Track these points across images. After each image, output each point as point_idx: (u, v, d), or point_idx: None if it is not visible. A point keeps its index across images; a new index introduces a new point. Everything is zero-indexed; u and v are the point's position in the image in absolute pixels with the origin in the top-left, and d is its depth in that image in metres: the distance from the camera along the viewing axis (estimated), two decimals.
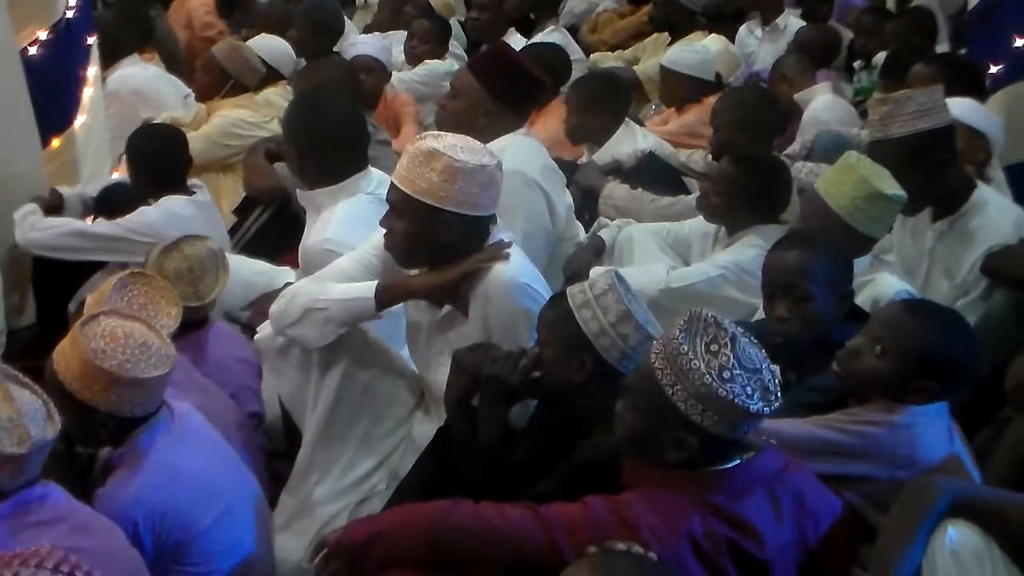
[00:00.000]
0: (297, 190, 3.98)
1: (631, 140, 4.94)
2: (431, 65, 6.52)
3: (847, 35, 6.66)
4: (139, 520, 2.65)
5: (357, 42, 6.15)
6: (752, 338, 2.33)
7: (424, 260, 3.10)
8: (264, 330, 3.37)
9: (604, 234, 4.08)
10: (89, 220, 4.60)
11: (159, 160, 4.47)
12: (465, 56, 7.01)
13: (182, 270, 3.51)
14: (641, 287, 3.38)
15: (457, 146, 2.98)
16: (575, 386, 2.71)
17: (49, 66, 4.72)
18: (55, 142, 4.82)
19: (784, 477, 2.37)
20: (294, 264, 3.99)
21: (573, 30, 7.94)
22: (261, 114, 5.37)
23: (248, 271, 4.07)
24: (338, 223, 3.60)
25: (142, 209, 4.36)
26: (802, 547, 2.35)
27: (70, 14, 4.83)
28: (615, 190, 4.51)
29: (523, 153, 3.80)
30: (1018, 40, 4.58)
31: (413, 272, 3.14)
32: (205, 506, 2.79)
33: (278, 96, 5.58)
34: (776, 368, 2.35)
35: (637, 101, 6.28)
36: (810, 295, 2.91)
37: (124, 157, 4.79)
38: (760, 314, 3.22)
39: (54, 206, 4.56)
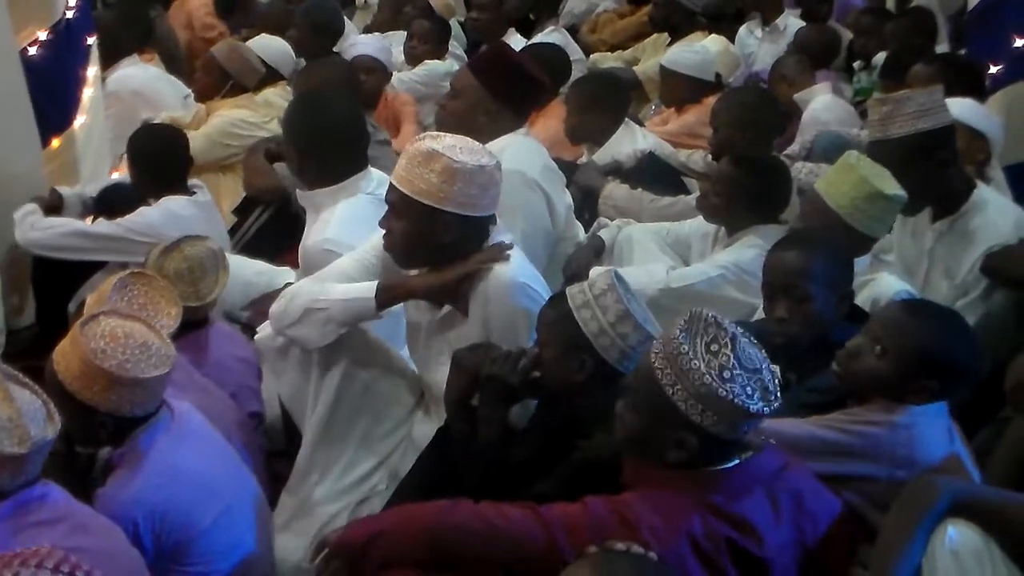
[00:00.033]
0: (297, 190, 3.98)
1: (631, 140, 4.94)
2: (431, 65, 6.52)
3: (847, 35, 6.67)
4: (139, 520, 2.65)
5: (357, 42, 6.16)
6: (752, 338, 2.33)
7: (423, 261, 3.10)
8: (264, 330, 3.37)
9: (604, 234, 4.08)
10: (89, 220, 4.60)
11: (160, 160, 4.48)
12: (465, 56, 7.01)
13: (182, 270, 3.51)
14: (641, 287, 3.38)
15: (456, 147, 2.98)
16: (575, 386, 2.71)
17: (49, 66, 4.72)
18: (55, 142, 4.82)
19: (783, 477, 2.37)
20: (294, 264, 3.99)
21: (573, 30, 7.94)
22: (261, 114, 5.37)
23: (248, 271, 4.07)
24: (338, 223, 3.60)
25: (142, 209, 4.36)
26: (801, 546, 2.35)
27: (70, 14, 4.83)
28: (615, 190, 4.51)
29: (523, 153, 3.80)
30: (1018, 40, 4.58)
31: (413, 272, 3.14)
32: (205, 506, 2.79)
33: (277, 96, 5.59)
34: (776, 368, 2.35)
35: (637, 101, 6.27)
36: (810, 295, 2.91)
37: (125, 157, 4.79)
38: (760, 314, 3.23)
39: (54, 206, 4.56)
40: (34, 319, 4.72)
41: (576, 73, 6.04)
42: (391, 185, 3.04)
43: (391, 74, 6.10)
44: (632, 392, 2.38)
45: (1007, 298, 3.47)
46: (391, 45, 6.31)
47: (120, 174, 5.05)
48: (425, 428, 3.15)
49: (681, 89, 5.68)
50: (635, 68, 6.89)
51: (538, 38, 7.07)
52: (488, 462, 2.74)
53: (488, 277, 3.01)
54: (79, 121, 4.93)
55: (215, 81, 5.56)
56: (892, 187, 3.31)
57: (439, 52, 6.68)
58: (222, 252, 3.67)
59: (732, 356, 2.25)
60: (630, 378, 2.44)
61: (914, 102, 3.55)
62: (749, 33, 7.23)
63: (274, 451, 3.57)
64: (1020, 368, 2.89)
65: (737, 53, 6.65)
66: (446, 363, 2.92)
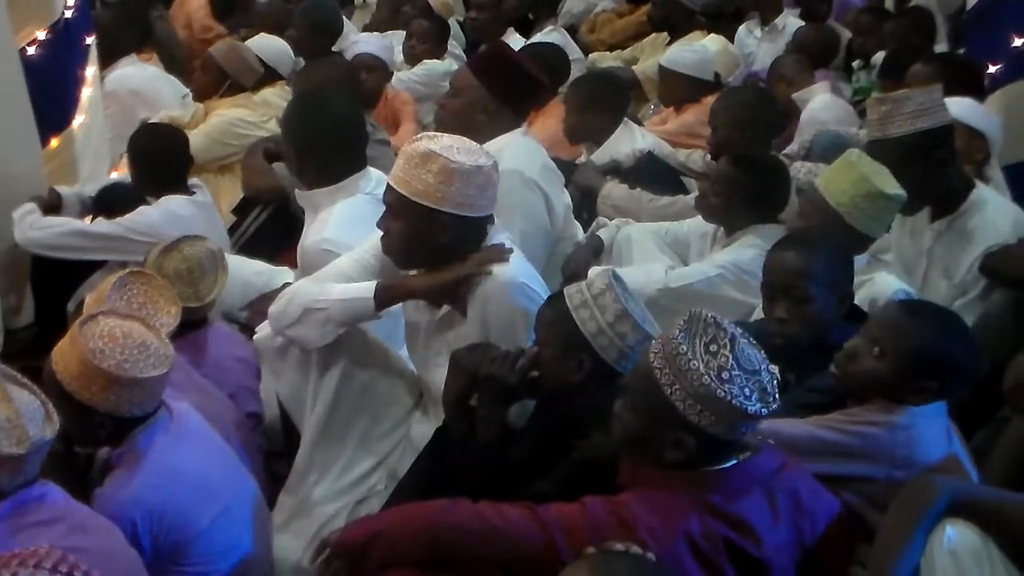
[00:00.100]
0: (295, 190, 3.98)
1: (630, 140, 4.94)
2: (430, 65, 6.52)
3: (846, 35, 6.67)
4: (137, 520, 2.65)
5: (359, 40, 6.17)
6: (751, 339, 2.33)
7: (421, 261, 3.10)
8: (263, 330, 3.37)
9: (603, 234, 4.08)
10: (88, 219, 4.60)
11: (160, 159, 4.48)
12: (464, 56, 7.01)
13: (181, 271, 3.51)
14: (639, 287, 3.39)
15: (453, 147, 2.98)
16: (573, 386, 2.71)
17: (48, 66, 4.71)
18: (54, 142, 4.81)
19: (781, 477, 2.37)
20: (293, 264, 3.98)
21: (572, 30, 7.94)
22: (259, 114, 5.37)
23: (247, 271, 4.07)
24: (336, 223, 3.60)
25: (142, 209, 4.36)
26: (799, 546, 2.35)
27: (69, 14, 4.82)
28: (614, 190, 4.51)
29: (521, 153, 3.80)
30: (1017, 40, 4.57)
31: (412, 273, 3.14)
32: (203, 506, 2.79)
33: (276, 96, 5.59)
34: (775, 369, 2.35)
35: (636, 101, 6.27)
36: (810, 296, 2.91)
37: (124, 156, 4.79)
38: (758, 314, 3.23)
39: (53, 205, 4.56)
40: (33, 319, 4.72)
41: (575, 73, 6.04)
42: (388, 186, 3.04)
43: (392, 73, 6.10)
44: (630, 392, 2.38)
45: (1006, 298, 3.47)
46: (393, 44, 6.32)
47: (119, 174, 5.05)
48: (424, 428, 3.15)
49: (680, 89, 5.68)
50: (634, 68, 6.89)
51: (537, 38, 7.08)
52: (486, 462, 2.74)
53: (487, 277, 3.01)
54: (78, 121, 4.92)
55: (213, 80, 5.56)
56: (892, 186, 3.31)
57: (438, 52, 6.68)
58: (221, 252, 3.67)
59: (731, 357, 2.25)
60: (629, 377, 2.44)
61: (913, 101, 3.55)
62: (748, 32, 7.22)
63: (273, 451, 3.57)
64: (1019, 368, 2.89)
65: (736, 53, 6.64)
66: (445, 363, 2.92)
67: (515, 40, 6.77)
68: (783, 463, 2.40)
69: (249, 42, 5.91)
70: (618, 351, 2.67)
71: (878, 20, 6.36)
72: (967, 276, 3.56)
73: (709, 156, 4.78)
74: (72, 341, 2.71)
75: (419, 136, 3.08)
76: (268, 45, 5.86)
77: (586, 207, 4.51)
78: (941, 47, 6.16)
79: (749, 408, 2.23)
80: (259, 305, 3.82)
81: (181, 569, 2.76)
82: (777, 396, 2.29)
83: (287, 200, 4.55)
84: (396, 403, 3.28)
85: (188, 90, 5.89)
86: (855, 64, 6.26)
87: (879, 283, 3.33)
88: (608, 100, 5.04)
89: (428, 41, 6.68)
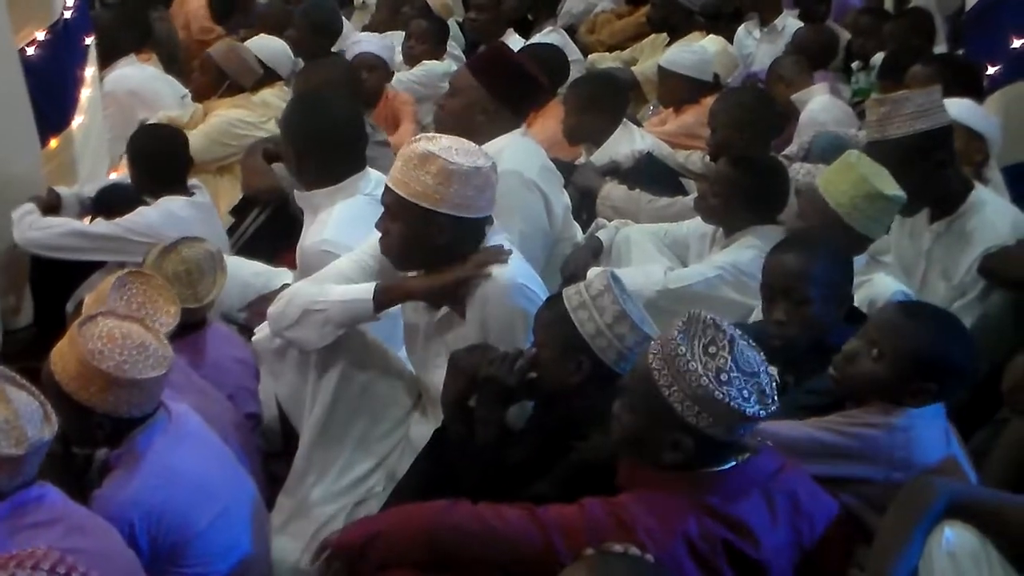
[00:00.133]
0: (295, 191, 3.98)
1: (629, 141, 4.94)
2: (429, 66, 6.52)
3: (845, 36, 6.66)
4: (135, 521, 2.65)
5: (360, 40, 6.17)
6: (751, 341, 2.33)
7: (419, 262, 3.10)
8: (261, 331, 3.37)
9: (602, 235, 4.08)
10: (87, 220, 4.60)
11: (159, 160, 4.49)
12: (463, 57, 7.01)
13: (180, 272, 3.51)
14: (638, 288, 3.39)
15: (452, 148, 2.98)
16: (572, 387, 2.71)
17: (47, 67, 4.71)
18: (53, 142, 4.81)
19: (780, 479, 2.37)
20: (292, 265, 3.98)
21: (571, 31, 7.93)
22: (258, 114, 5.37)
23: (246, 272, 4.07)
24: (335, 224, 3.60)
25: (141, 209, 4.36)
26: (798, 548, 2.35)
27: (68, 14, 4.82)
28: (613, 191, 4.51)
29: (520, 154, 3.80)
30: (1016, 41, 4.58)
31: (411, 274, 3.14)
32: (202, 507, 2.79)
33: (275, 97, 5.58)
34: (774, 371, 2.35)
35: (635, 102, 6.27)
36: (809, 299, 2.91)
37: (123, 157, 4.79)
38: (757, 315, 3.23)
39: (52, 206, 4.56)
40: (32, 319, 4.72)
41: (574, 73, 6.04)
42: (387, 187, 3.04)
43: (393, 73, 6.11)
44: (629, 392, 2.38)
45: (1004, 299, 3.47)
46: (393, 44, 6.32)
47: (118, 174, 5.05)
48: (423, 429, 3.14)
49: (679, 89, 5.68)
50: (633, 68, 6.88)
51: (536, 38, 7.07)
52: (485, 463, 2.74)
53: (486, 278, 3.01)
54: (77, 121, 4.92)
55: (212, 81, 5.56)
56: (891, 187, 3.31)
57: (437, 52, 6.68)
58: (220, 254, 3.67)
59: (730, 359, 2.25)
60: (627, 378, 2.44)
61: (912, 103, 3.56)
62: (747, 33, 7.22)
63: (271, 452, 3.57)
64: (1017, 369, 2.89)
65: (735, 53, 6.64)
66: (444, 364, 2.92)
67: (514, 41, 6.76)
68: (782, 465, 2.40)
69: (248, 43, 5.91)
70: (617, 352, 2.67)
71: (877, 21, 6.36)
72: (966, 277, 3.56)
73: (708, 157, 4.78)
74: (71, 342, 2.71)
75: (417, 137, 3.08)
76: (267, 46, 5.86)
77: (585, 208, 4.51)
78: (940, 48, 6.16)
79: (747, 410, 2.23)
80: (258, 306, 3.82)
81: (179, 570, 2.75)
82: (776, 398, 2.29)
83: (286, 201, 4.55)
84: (395, 404, 3.28)
85: (187, 90, 5.88)
86: (854, 65, 6.26)
87: (877, 284, 3.33)
88: (607, 101, 5.04)
89: (427, 42, 6.68)
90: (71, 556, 2.04)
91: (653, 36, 7.31)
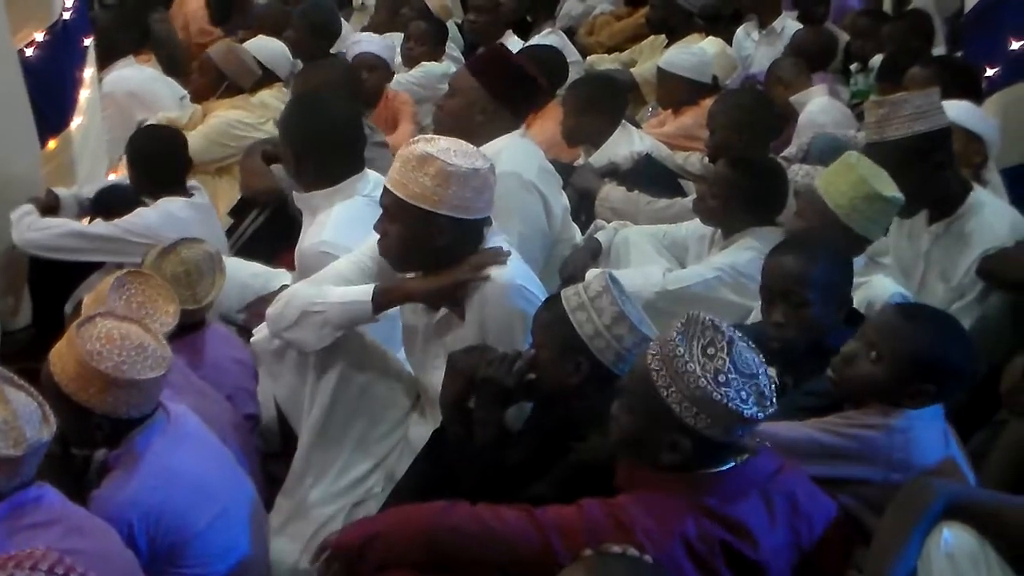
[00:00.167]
0: (293, 192, 3.98)
1: (628, 142, 4.94)
2: (428, 67, 6.52)
3: (843, 37, 6.66)
4: (134, 522, 2.65)
5: (361, 40, 6.19)
6: (750, 343, 2.34)
7: (418, 264, 3.10)
8: (260, 333, 3.37)
9: (600, 236, 4.08)
10: (85, 221, 4.60)
11: (159, 161, 4.49)
12: (462, 58, 7.00)
13: (179, 273, 3.51)
14: (637, 289, 3.38)
15: (450, 150, 2.98)
16: (570, 388, 2.71)
17: (46, 68, 4.71)
18: (52, 144, 4.82)
19: (778, 479, 2.37)
20: (290, 266, 3.98)
21: (570, 32, 7.93)
22: (257, 115, 5.37)
23: (244, 273, 4.07)
24: (334, 225, 3.60)
25: (140, 210, 4.36)
26: (796, 549, 2.35)
27: (67, 16, 4.83)
28: (611, 192, 4.51)
29: (519, 155, 3.80)
30: (1014, 43, 4.58)
31: (410, 276, 3.14)
32: (201, 508, 2.79)
33: (273, 98, 5.58)
34: (773, 372, 2.35)
35: (634, 103, 6.27)
36: (808, 301, 2.90)
37: (123, 158, 4.79)
38: (755, 316, 3.23)
39: (50, 207, 4.56)
40: (30, 320, 4.72)
41: (573, 75, 6.04)
42: (385, 189, 3.04)
43: (393, 73, 6.11)
44: (627, 393, 2.38)
45: (1003, 301, 3.47)
46: (394, 44, 6.32)
47: (117, 175, 5.05)
48: (421, 430, 3.15)
49: (678, 91, 5.68)
50: (632, 70, 6.88)
51: (535, 40, 7.07)
52: (484, 464, 2.74)
53: (484, 280, 3.01)
54: (76, 122, 4.92)
55: (211, 82, 5.56)
56: (890, 189, 3.31)
57: (436, 54, 6.68)
58: (219, 255, 3.67)
59: (728, 360, 2.26)
60: (626, 379, 2.44)
61: (911, 104, 3.56)
62: (746, 35, 7.22)
63: (270, 453, 3.57)
64: (1016, 371, 2.90)
65: (734, 55, 6.65)
66: (442, 365, 2.91)
67: (513, 42, 6.77)
68: (780, 466, 2.40)
69: (247, 44, 5.91)
70: (615, 353, 2.67)
71: (876, 23, 6.36)
72: (964, 279, 3.56)
73: (707, 159, 4.77)
74: (70, 343, 2.71)
75: (416, 139, 3.08)
76: (266, 47, 5.86)
77: (584, 209, 4.51)
78: (939, 50, 6.16)
79: (745, 411, 2.23)
80: (257, 307, 3.82)
81: (178, 571, 2.75)
82: (774, 400, 2.29)
83: (285, 202, 4.55)
84: (393, 405, 3.28)
85: (186, 92, 5.88)
86: (853, 67, 6.25)
87: (875, 286, 3.33)
88: (606, 102, 5.05)
89: (426, 43, 6.68)
90: (69, 557, 2.03)
91: (652, 38, 7.31)
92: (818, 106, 5.36)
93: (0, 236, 4.52)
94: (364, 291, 3.08)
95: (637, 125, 5.44)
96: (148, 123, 5.19)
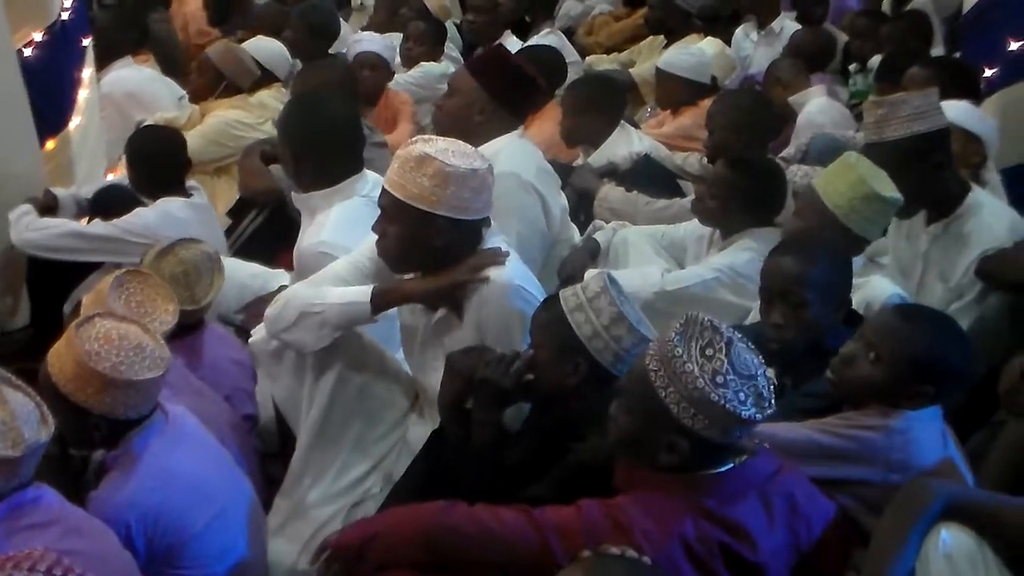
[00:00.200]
0: (292, 193, 3.98)
1: (626, 143, 4.94)
2: (427, 67, 6.52)
3: (842, 38, 6.66)
4: (132, 523, 2.64)
5: (362, 39, 6.20)
6: (750, 344, 2.33)
7: (417, 265, 3.10)
8: (258, 333, 3.37)
9: (599, 236, 4.08)
10: (84, 221, 4.60)
11: (158, 161, 4.49)
12: (461, 59, 7.01)
13: (177, 274, 3.50)
14: (636, 290, 3.39)
15: (448, 151, 2.98)
16: (569, 389, 2.71)
17: (44, 67, 4.71)
18: (50, 144, 4.81)
19: (777, 481, 2.37)
20: (289, 267, 3.98)
21: (569, 33, 7.92)
22: (255, 115, 5.37)
23: (243, 274, 4.07)
24: (333, 226, 3.60)
25: (138, 210, 4.36)
26: (795, 550, 2.35)
27: (65, 16, 4.82)
28: (610, 193, 4.51)
29: (518, 155, 3.80)
30: (1013, 43, 4.58)
31: (408, 276, 3.14)
32: (199, 509, 2.78)
33: (272, 98, 5.58)
34: (772, 374, 2.35)
35: (632, 104, 6.27)
36: (806, 302, 2.90)
37: (121, 158, 4.78)
38: (754, 316, 3.22)
39: (49, 207, 4.56)
40: (28, 320, 4.72)
41: (572, 75, 6.04)
42: (383, 189, 3.04)
43: (394, 72, 6.11)
44: (626, 393, 2.38)
45: (1001, 301, 3.46)
46: (395, 44, 6.32)
47: (115, 175, 5.05)
48: (420, 431, 3.14)
49: (677, 92, 5.68)
50: (631, 70, 6.88)
51: (534, 40, 7.06)
52: (482, 465, 2.74)
53: (483, 282, 3.01)
54: (75, 122, 4.91)
55: (209, 82, 5.56)
56: (889, 189, 3.31)
57: (435, 54, 6.68)
58: (217, 255, 3.67)
59: (726, 361, 2.25)
60: (625, 379, 2.45)
61: (909, 105, 3.56)
62: (745, 36, 7.22)
63: (268, 453, 3.57)
64: (1014, 371, 2.90)
65: (733, 56, 6.64)
66: (441, 366, 2.92)
67: (512, 43, 6.77)
68: (779, 467, 2.40)
69: (245, 44, 5.91)
70: (613, 354, 2.67)
71: (875, 23, 6.35)
72: (963, 279, 3.56)
73: (706, 159, 4.77)
74: (68, 343, 2.71)
75: (414, 140, 3.08)
76: (264, 47, 5.86)
77: (583, 210, 4.51)
78: (938, 51, 6.16)
79: (743, 413, 2.23)
80: (255, 308, 3.81)
81: (176, 572, 2.75)
82: (773, 402, 2.29)
83: (284, 202, 4.55)
84: (392, 406, 3.28)
85: (185, 92, 5.88)
86: (852, 67, 6.25)
87: (873, 287, 3.33)
88: (605, 103, 5.05)
89: (425, 43, 6.68)
90: (68, 558, 2.04)
91: (651, 38, 7.31)
92: (817, 107, 5.36)
93: (0, 237, 4.52)
94: (363, 292, 3.08)
95: (636, 125, 5.44)
96: (147, 123, 5.19)
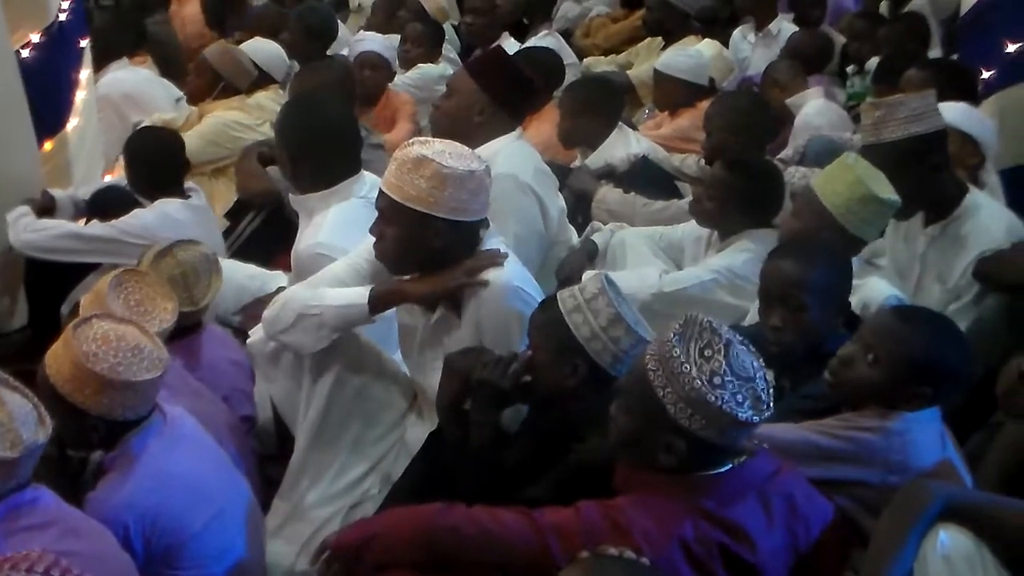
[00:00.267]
0: (290, 194, 3.98)
1: (624, 144, 4.94)
2: (424, 69, 6.53)
3: (840, 40, 6.66)
4: (130, 524, 2.64)
5: (364, 39, 6.20)
6: (749, 346, 2.33)
7: (415, 267, 3.09)
8: (256, 335, 3.36)
9: (597, 238, 4.08)
10: (82, 222, 4.60)
11: (156, 162, 4.49)
12: (459, 60, 7.00)
13: (175, 275, 3.50)
14: (633, 291, 3.39)
15: (446, 152, 2.98)
16: (567, 390, 2.71)
17: (42, 69, 4.71)
18: (48, 145, 4.81)
19: (776, 481, 2.37)
20: (287, 268, 3.98)
21: (566, 34, 7.92)
22: (253, 117, 5.37)
23: (240, 275, 4.07)
24: (330, 227, 3.60)
25: (136, 211, 4.36)
26: (793, 551, 2.35)
27: (63, 17, 4.82)
28: (608, 194, 4.51)
29: (515, 157, 3.80)
30: (1010, 45, 4.58)
31: (406, 278, 3.14)
32: (197, 510, 2.78)
33: (269, 100, 5.58)
34: (771, 376, 2.35)
35: (630, 105, 6.26)
36: (805, 305, 2.90)
37: (119, 159, 4.78)
38: (752, 317, 3.22)
39: (46, 208, 4.56)
40: (26, 321, 4.71)
41: (570, 77, 6.03)
42: (381, 191, 3.04)
43: (395, 72, 6.11)
44: (625, 394, 2.38)
45: (999, 303, 3.47)
46: (395, 44, 6.32)
47: (113, 176, 5.05)
48: (418, 432, 3.14)
49: (675, 93, 5.68)
50: (628, 72, 6.88)
51: (532, 42, 7.06)
52: (481, 466, 2.74)
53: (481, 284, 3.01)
54: (72, 124, 4.92)
55: (207, 83, 5.56)
56: (887, 191, 3.31)
57: (432, 56, 6.69)
58: (215, 256, 3.66)
59: (724, 362, 2.25)
60: (624, 380, 2.45)
61: (907, 106, 3.56)
62: (742, 37, 7.22)
63: (266, 455, 3.57)
64: (1012, 373, 2.89)
65: (730, 58, 6.64)
66: (439, 367, 2.92)
67: (510, 44, 6.76)
68: (778, 468, 2.40)
69: (243, 45, 5.91)
70: (612, 355, 2.67)
71: (872, 25, 6.36)
72: (960, 281, 3.56)
73: (703, 161, 4.78)
74: (65, 344, 2.70)
75: (411, 141, 3.08)
76: (262, 49, 5.86)
77: (580, 211, 4.51)
78: (935, 53, 6.16)
79: (740, 414, 2.23)
80: (253, 309, 3.81)
81: (174, 573, 2.74)
82: (771, 404, 2.29)
83: (281, 204, 4.55)
84: (390, 407, 3.28)
85: (182, 93, 5.88)
86: (849, 69, 6.26)
87: (871, 288, 3.32)
88: (603, 104, 5.05)
89: (423, 45, 6.68)
90: (65, 559, 2.04)
91: (648, 40, 7.30)
92: (814, 108, 5.36)
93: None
94: (360, 293, 3.08)
95: (633, 127, 5.44)
96: (144, 125, 5.19)
